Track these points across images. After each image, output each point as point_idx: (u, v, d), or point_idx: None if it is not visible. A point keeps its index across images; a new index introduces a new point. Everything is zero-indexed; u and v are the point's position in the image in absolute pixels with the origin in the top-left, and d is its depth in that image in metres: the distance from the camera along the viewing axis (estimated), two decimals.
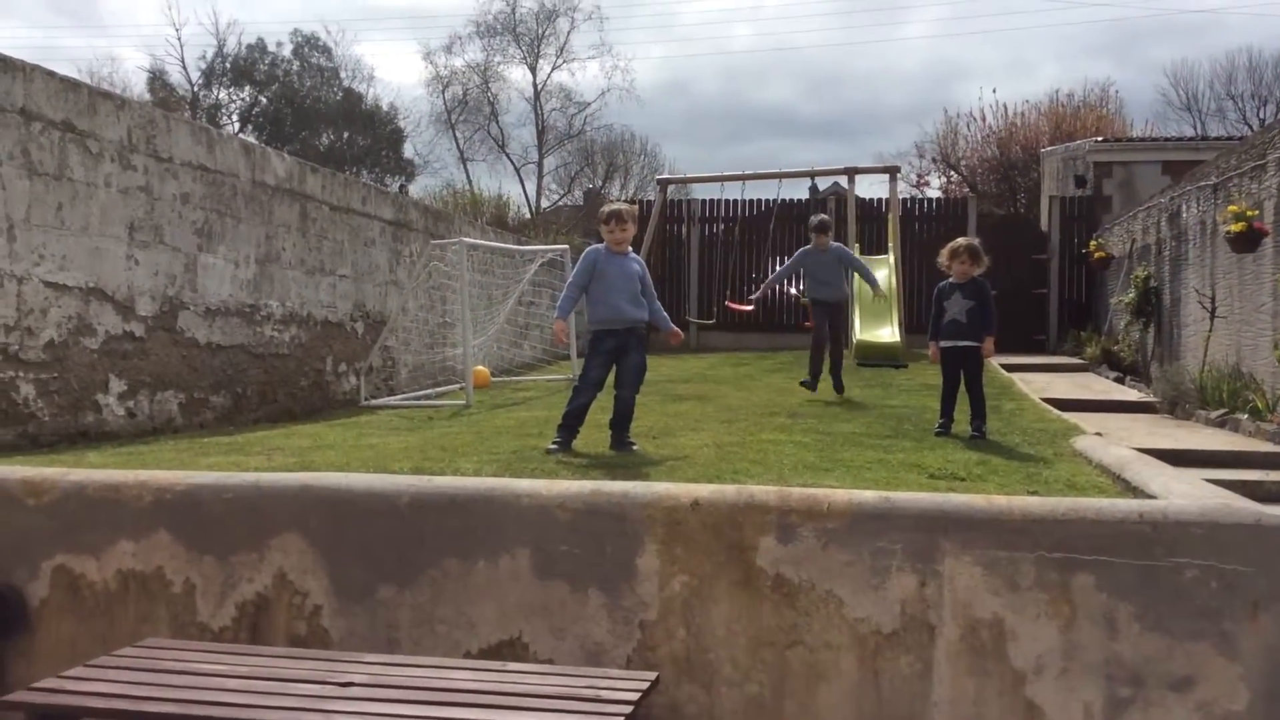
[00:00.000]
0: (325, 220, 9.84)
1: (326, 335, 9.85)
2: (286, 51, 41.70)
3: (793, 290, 18.58)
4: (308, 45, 41.88)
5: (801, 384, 9.64)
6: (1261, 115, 34.59)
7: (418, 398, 10.20)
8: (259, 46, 41.28)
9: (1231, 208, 9.82)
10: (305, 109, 41.00)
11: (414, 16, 62.96)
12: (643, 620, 4.16)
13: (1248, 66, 37.06)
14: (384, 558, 4.35)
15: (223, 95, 41.73)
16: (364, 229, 10.56)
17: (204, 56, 40.96)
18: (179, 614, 4.49)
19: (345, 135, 41.57)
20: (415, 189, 38.42)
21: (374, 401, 9.85)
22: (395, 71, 65.85)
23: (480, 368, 11.20)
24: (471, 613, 4.25)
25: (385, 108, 42.88)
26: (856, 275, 11.25)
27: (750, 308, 15.44)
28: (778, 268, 19.91)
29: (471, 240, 11.01)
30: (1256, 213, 9.62)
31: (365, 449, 6.34)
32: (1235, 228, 9.54)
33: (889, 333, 13.88)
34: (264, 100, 41.43)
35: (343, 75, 42.55)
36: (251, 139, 35.20)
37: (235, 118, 41.37)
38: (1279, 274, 8.94)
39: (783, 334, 17.74)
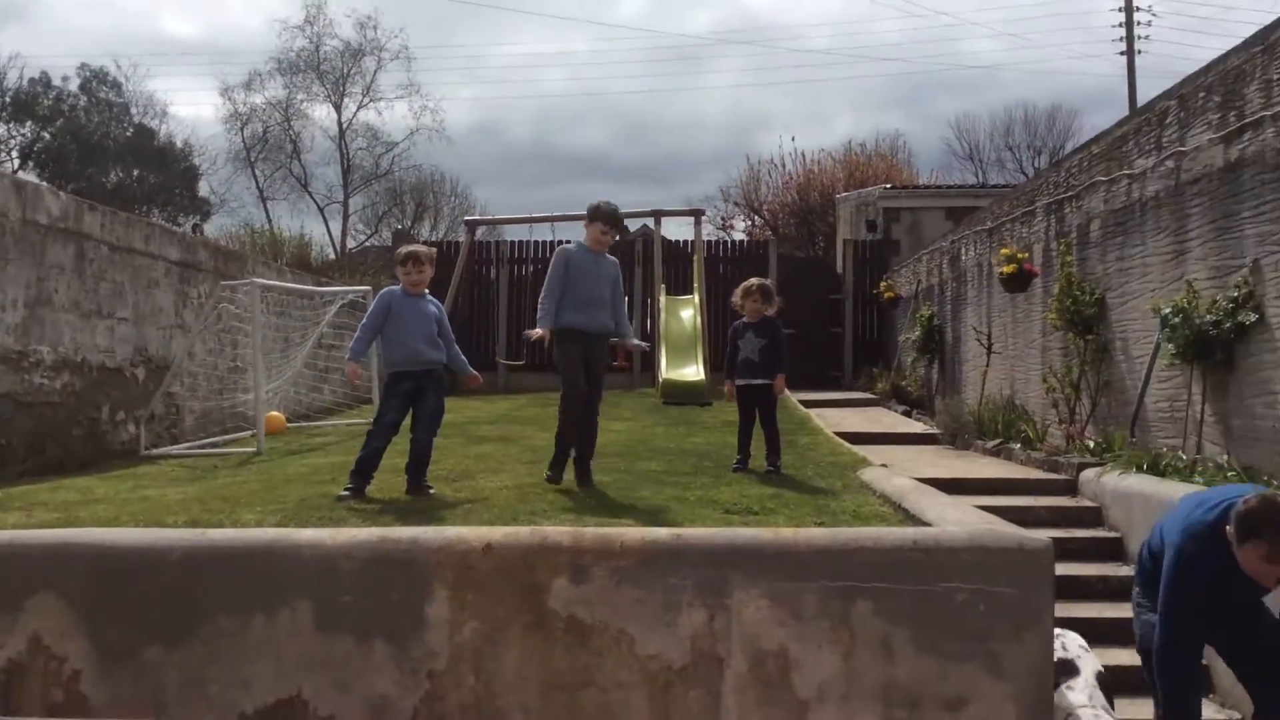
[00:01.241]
0: (104, 261, 9.29)
1: (103, 382, 9.27)
2: (73, 86, 39.56)
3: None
4: (96, 80, 39.84)
5: (548, 478, 6.47)
6: (1036, 164, 37.30)
7: (204, 446, 9.71)
8: (43, 81, 39.00)
9: (1004, 250, 10.49)
10: (92, 145, 38.90)
11: (210, 52, 60.96)
12: (431, 670, 4.03)
13: (1024, 120, 40.04)
14: (151, 617, 4.08)
15: (1, 131, 39.17)
16: (147, 270, 10.03)
17: None
18: None
19: (135, 173, 39.64)
20: (211, 228, 36.94)
21: (155, 451, 9.32)
22: (190, 107, 63.59)
23: (274, 413, 10.77)
24: (247, 671, 4.03)
25: (179, 145, 41.17)
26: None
27: (520, 362, 15.18)
28: None
29: (264, 281, 10.62)
30: (1026, 255, 10.30)
31: (139, 502, 5.97)
32: (1007, 269, 10.18)
33: (694, 371, 14.18)
34: (47, 136, 39.09)
35: (134, 111, 40.65)
36: (32, 176, 33.14)
37: (15, 155, 38.87)
38: (1047, 312, 9.57)
39: None
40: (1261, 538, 3.94)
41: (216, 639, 4.04)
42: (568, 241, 6.38)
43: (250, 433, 9.98)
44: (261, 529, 4.55)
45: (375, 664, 4.03)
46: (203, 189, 41.42)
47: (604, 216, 6.65)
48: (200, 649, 4.04)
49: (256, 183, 40.75)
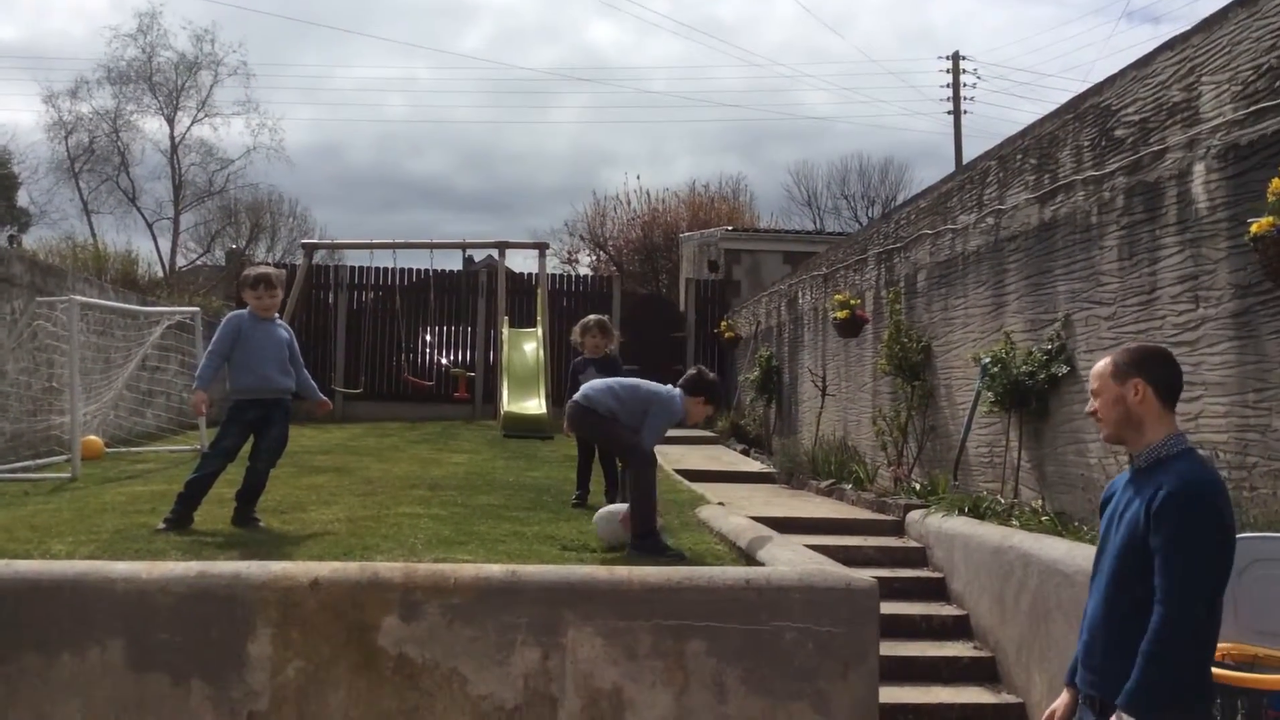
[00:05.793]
0: None
1: None
2: None
3: (443, 360, 18.42)
4: None
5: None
6: (870, 213, 38.73)
7: (14, 470, 9.13)
8: None
9: (838, 296, 10.84)
10: None
11: (33, 56, 57.74)
12: (252, 711, 3.89)
13: (859, 170, 41.61)
14: None
15: None
16: None
17: None
18: None
19: None
20: (30, 240, 34.84)
21: None
22: (9, 113, 60.16)
23: (92, 437, 10.21)
24: (52, 713, 3.80)
25: None
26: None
27: (358, 390, 16.46)
28: (428, 338, 19.81)
29: (84, 299, 10.09)
30: (859, 301, 10.68)
31: None
32: (840, 315, 10.52)
33: (535, 404, 14.14)
34: None
35: None
36: None
37: None
38: (878, 358, 9.94)
39: (431, 404, 17.55)
40: None
41: (19, 677, 3.80)
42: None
43: (65, 457, 9.45)
44: (72, 561, 4.30)
45: (192, 706, 3.86)
46: (21, 198, 39.11)
47: (706, 389, 5.87)
48: (1, 688, 3.78)
49: (80, 195, 38.72)
